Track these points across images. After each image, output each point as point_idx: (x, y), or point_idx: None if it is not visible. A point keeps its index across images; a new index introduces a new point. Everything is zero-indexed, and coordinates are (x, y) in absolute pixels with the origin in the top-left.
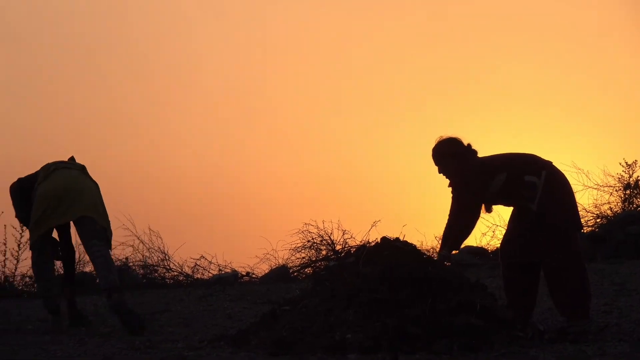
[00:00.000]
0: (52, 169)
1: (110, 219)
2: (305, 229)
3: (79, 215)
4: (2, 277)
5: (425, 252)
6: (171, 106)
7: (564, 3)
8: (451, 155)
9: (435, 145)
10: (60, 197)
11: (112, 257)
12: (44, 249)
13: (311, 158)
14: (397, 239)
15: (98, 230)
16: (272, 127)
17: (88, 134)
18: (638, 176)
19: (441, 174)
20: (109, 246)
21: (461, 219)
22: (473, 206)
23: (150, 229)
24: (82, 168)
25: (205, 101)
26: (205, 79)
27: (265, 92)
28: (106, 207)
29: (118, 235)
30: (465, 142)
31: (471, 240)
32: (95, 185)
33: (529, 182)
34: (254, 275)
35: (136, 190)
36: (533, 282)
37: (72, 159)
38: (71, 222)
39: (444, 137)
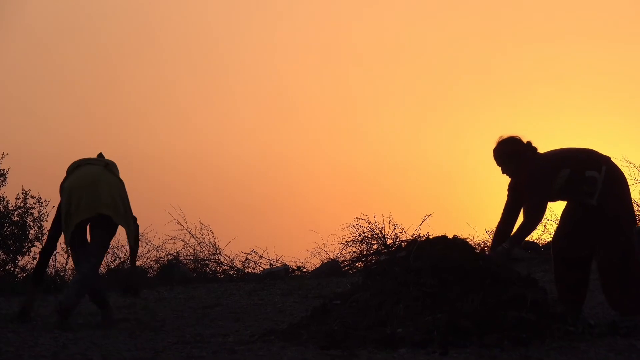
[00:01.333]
0: (75, 166)
1: (161, 213)
2: (356, 223)
3: (97, 212)
4: (53, 271)
5: (476, 247)
6: (224, 103)
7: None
8: (512, 155)
9: (496, 145)
10: (81, 193)
11: (158, 250)
12: (78, 249)
13: (363, 152)
14: (445, 236)
15: (102, 240)
16: (324, 122)
17: (141, 129)
18: None
19: (504, 174)
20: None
21: (529, 218)
22: (542, 205)
23: (201, 223)
24: (107, 164)
25: (255, 98)
26: (253, 75)
27: (312, 89)
28: (142, 209)
29: (169, 230)
30: (525, 140)
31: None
32: (117, 182)
33: (590, 178)
34: (304, 270)
35: (188, 184)
36: (584, 277)
37: (100, 155)
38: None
39: (504, 137)
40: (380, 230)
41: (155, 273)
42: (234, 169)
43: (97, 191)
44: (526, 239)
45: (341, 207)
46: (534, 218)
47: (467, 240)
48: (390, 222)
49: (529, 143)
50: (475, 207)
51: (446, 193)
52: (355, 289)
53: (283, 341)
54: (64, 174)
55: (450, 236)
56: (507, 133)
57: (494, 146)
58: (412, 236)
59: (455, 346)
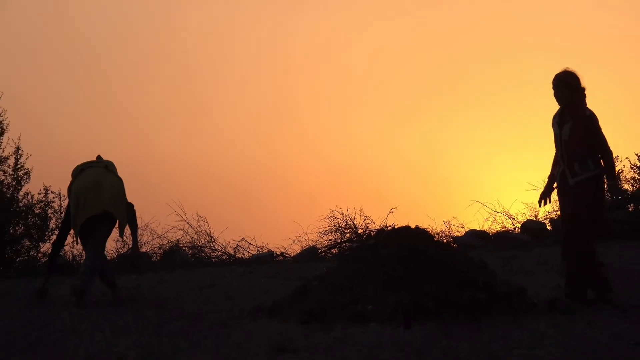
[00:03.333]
0: (79, 170)
1: (163, 206)
2: (331, 215)
3: (101, 210)
4: (71, 256)
5: (435, 235)
6: (218, 109)
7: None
8: (572, 86)
9: (562, 72)
10: (86, 195)
11: (160, 238)
12: (86, 242)
13: (338, 153)
14: (408, 226)
15: (104, 233)
16: (305, 129)
17: (145, 131)
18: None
19: (555, 97)
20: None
21: (607, 151)
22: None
23: (198, 215)
24: (106, 165)
25: (245, 106)
26: (246, 86)
27: (294, 94)
28: (143, 203)
29: (170, 221)
30: (583, 83)
31: (474, 225)
32: (117, 181)
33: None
34: (287, 255)
35: (187, 181)
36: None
37: (99, 157)
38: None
39: (571, 69)
40: (353, 221)
41: (158, 258)
42: (227, 168)
43: (101, 192)
44: (478, 229)
45: (319, 201)
46: (610, 150)
47: (427, 230)
48: (361, 214)
49: (584, 88)
50: (434, 201)
51: (409, 189)
52: (331, 272)
53: (268, 317)
54: (71, 175)
55: (412, 226)
56: (572, 68)
57: (557, 73)
58: (379, 226)
59: (417, 321)
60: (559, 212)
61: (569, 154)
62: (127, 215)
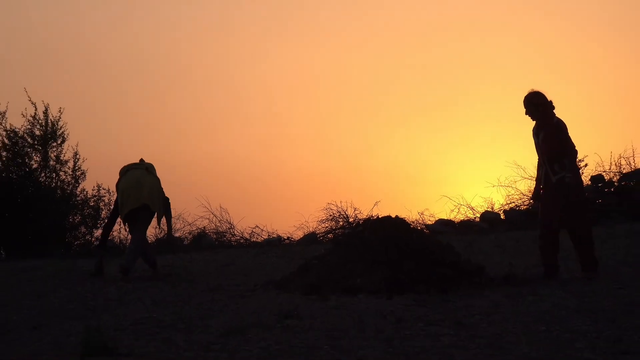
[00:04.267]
0: (126, 170)
1: (193, 200)
2: (328, 207)
3: (142, 203)
4: (119, 240)
5: (411, 224)
6: (234, 115)
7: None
8: (539, 104)
9: (529, 94)
10: (129, 192)
11: (190, 225)
12: (132, 228)
13: (333, 155)
14: (389, 216)
15: (145, 222)
16: (309, 133)
17: (179, 138)
18: None
19: (527, 115)
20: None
21: (573, 150)
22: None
23: (221, 207)
24: (147, 167)
25: (258, 112)
26: (256, 92)
27: (297, 104)
28: (177, 196)
29: (198, 211)
30: (549, 98)
31: (443, 215)
32: (155, 180)
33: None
34: (292, 239)
35: (212, 179)
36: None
37: (141, 160)
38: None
39: (535, 90)
40: (345, 212)
41: (188, 242)
42: (244, 169)
43: (141, 189)
44: (445, 218)
45: (317, 196)
46: (575, 149)
47: (405, 219)
48: (352, 206)
49: (551, 101)
50: (410, 196)
51: (391, 185)
52: (328, 254)
53: (277, 289)
54: (119, 174)
55: (393, 216)
56: (536, 88)
57: (527, 93)
58: (366, 216)
59: (396, 293)
60: (511, 205)
61: (547, 157)
62: (163, 207)
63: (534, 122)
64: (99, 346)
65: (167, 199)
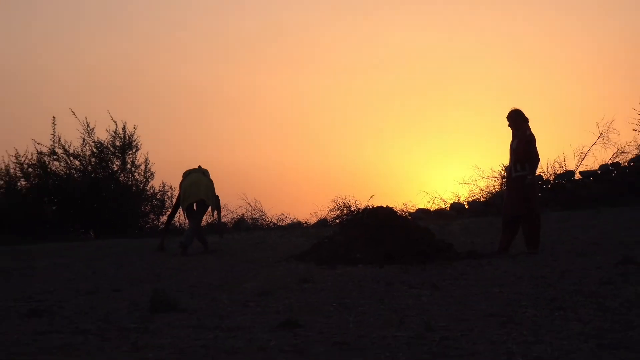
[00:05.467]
0: (188, 173)
1: (231, 193)
2: (335, 199)
3: (199, 198)
4: (179, 224)
5: (398, 211)
6: (261, 124)
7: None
8: (519, 119)
9: (512, 111)
10: (191, 189)
11: (232, 213)
12: (190, 216)
13: (340, 157)
14: (382, 206)
15: (201, 212)
16: (324, 136)
17: (220, 146)
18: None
19: (509, 127)
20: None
21: (536, 159)
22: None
23: (255, 199)
24: (204, 172)
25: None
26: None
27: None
28: (223, 190)
29: (237, 202)
30: (525, 114)
31: (422, 205)
32: (209, 182)
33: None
34: (308, 223)
35: (248, 177)
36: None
37: (199, 166)
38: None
39: (517, 108)
40: (348, 203)
41: (231, 225)
42: (273, 170)
43: (199, 188)
44: (423, 207)
45: (328, 190)
46: (537, 159)
47: (393, 208)
48: (353, 198)
49: (527, 118)
50: (397, 190)
51: (383, 182)
52: (335, 234)
53: (297, 261)
54: (182, 176)
55: (384, 206)
56: (517, 106)
57: (509, 111)
58: (365, 206)
59: (387, 264)
60: (473, 197)
61: (515, 159)
62: (215, 202)
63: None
64: (164, 303)
65: (218, 196)
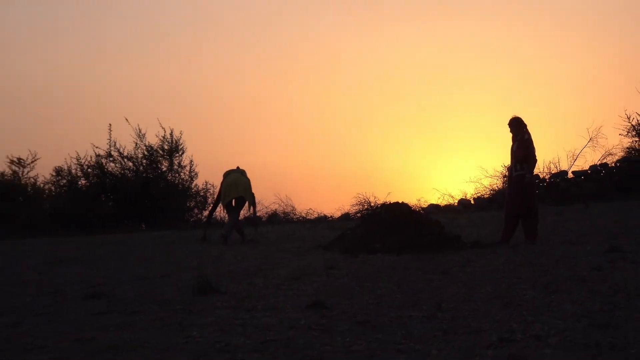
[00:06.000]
0: (228, 173)
1: (266, 191)
2: (357, 195)
3: (238, 195)
4: (219, 217)
5: (412, 207)
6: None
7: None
8: (519, 125)
9: (513, 118)
10: (231, 187)
11: (267, 208)
12: (229, 210)
13: (362, 160)
14: (398, 202)
15: (239, 208)
16: (348, 138)
17: (255, 149)
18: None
19: (510, 132)
20: (238, 214)
21: (534, 160)
22: (535, 154)
23: (286, 196)
24: (242, 172)
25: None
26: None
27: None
28: (258, 187)
29: (271, 199)
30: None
31: (433, 201)
32: (247, 181)
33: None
34: (333, 217)
35: (280, 176)
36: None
37: (238, 167)
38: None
39: (517, 115)
40: (368, 199)
41: (265, 219)
42: (301, 169)
43: (237, 186)
44: (434, 203)
45: (351, 188)
46: (535, 160)
47: (408, 204)
48: (373, 195)
49: (525, 124)
50: (411, 187)
51: (399, 181)
52: (357, 226)
53: (324, 250)
54: (222, 176)
55: (400, 202)
56: (517, 113)
57: (510, 118)
58: (383, 202)
59: (402, 253)
60: (478, 194)
61: (516, 160)
62: (251, 199)
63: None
64: (206, 287)
65: (253, 194)
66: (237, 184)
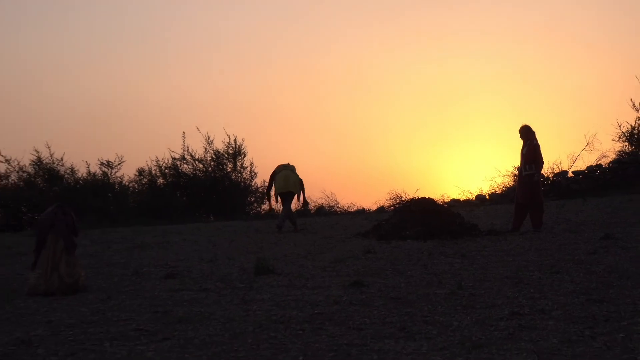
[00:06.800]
0: (280, 169)
1: (314, 187)
2: (391, 191)
3: (288, 190)
4: (275, 210)
5: (438, 201)
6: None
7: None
8: (529, 132)
9: (524, 126)
10: (281, 183)
11: (314, 202)
12: (283, 201)
13: (395, 160)
14: (425, 197)
15: (289, 200)
16: (381, 141)
17: (302, 150)
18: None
19: (520, 138)
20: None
21: (541, 162)
22: (542, 157)
23: (331, 192)
24: (293, 168)
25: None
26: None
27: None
28: (308, 185)
29: (318, 194)
30: (533, 128)
31: (454, 196)
32: (296, 176)
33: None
34: (371, 210)
35: (325, 174)
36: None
37: (288, 163)
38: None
39: (527, 124)
40: (399, 195)
41: (313, 211)
42: (343, 168)
43: (288, 180)
44: (456, 198)
45: (386, 184)
46: (542, 162)
47: (433, 198)
48: (404, 191)
49: (534, 132)
50: (435, 185)
51: (425, 179)
52: (391, 217)
53: (362, 237)
54: (274, 169)
55: (426, 197)
56: (526, 122)
57: (521, 126)
58: (412, 197)
59: (428, 239)
60: (493, 190)
61: (525, 161)
62: (300, 188)
63: (522, 141)
64: (264, 268)
65: (301, 180)
66: (287, 180)
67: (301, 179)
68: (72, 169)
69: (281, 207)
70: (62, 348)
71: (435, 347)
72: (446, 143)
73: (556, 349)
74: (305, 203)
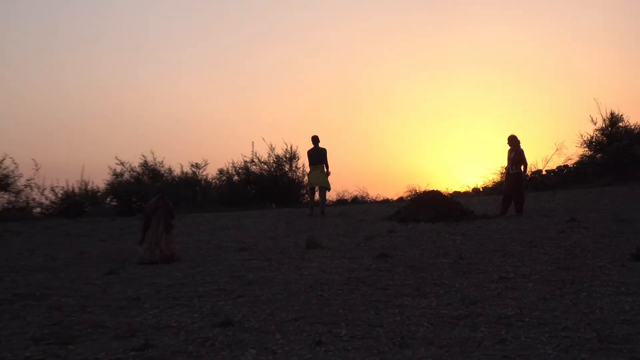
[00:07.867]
0: (312, 164)
1: (349, 182)
2: (408, 185)
3: (319, 185)
4: (310, 200)
5: (445, 193)
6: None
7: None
8: (515, 140)
9: (511, 136)
10: (314, 180)
11: (349, 193)
12: (319, 191)
13: (411, 159)
14: (434, 190)
15: (325, 189)
16: (399, 139)
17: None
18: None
19: (509, 145)
20: (326, 192)
21: (526, 164)
22: (526, 160)
23: (363, 186)
24: (321, 169)
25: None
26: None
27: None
28: (346, 180)
29: (353, 188)
30: (519, 137)
31: (456, 189)
32: (325, 177)
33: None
34: (392, 199)
35: (356, 170)
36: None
37: (318, 149)
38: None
39: (514, 134)
40: (415, 188)
41: (350, 200)
42: (373, 167)
43: (318, 179)
44: (458, 190)
45: (404, 180)
46: (526, 163)
47: (440, 191)
48: (418, 185)
49: (519, 141)
50: (442, 179)
51: (434, 175)
52: (408, 205)
53: (387, 220)
54: (307, 153)
55: (435, 189)
56: (513, 132)
57: (509, 135)
58: (424, 189)
59: (437, 222)
60: (485, 185)
61: (512, 163)
62: (328, 184)
63: (509, 147)
64: (313, 244)
65: (325, 150)
66: (318, 177)
67: (325, 149)
68: (170, 169)
69: (318, 196)
70: (162, 303)
71: (442, 303)
72: (450, 148)
73: (534, 305)
74: (328, 172)
